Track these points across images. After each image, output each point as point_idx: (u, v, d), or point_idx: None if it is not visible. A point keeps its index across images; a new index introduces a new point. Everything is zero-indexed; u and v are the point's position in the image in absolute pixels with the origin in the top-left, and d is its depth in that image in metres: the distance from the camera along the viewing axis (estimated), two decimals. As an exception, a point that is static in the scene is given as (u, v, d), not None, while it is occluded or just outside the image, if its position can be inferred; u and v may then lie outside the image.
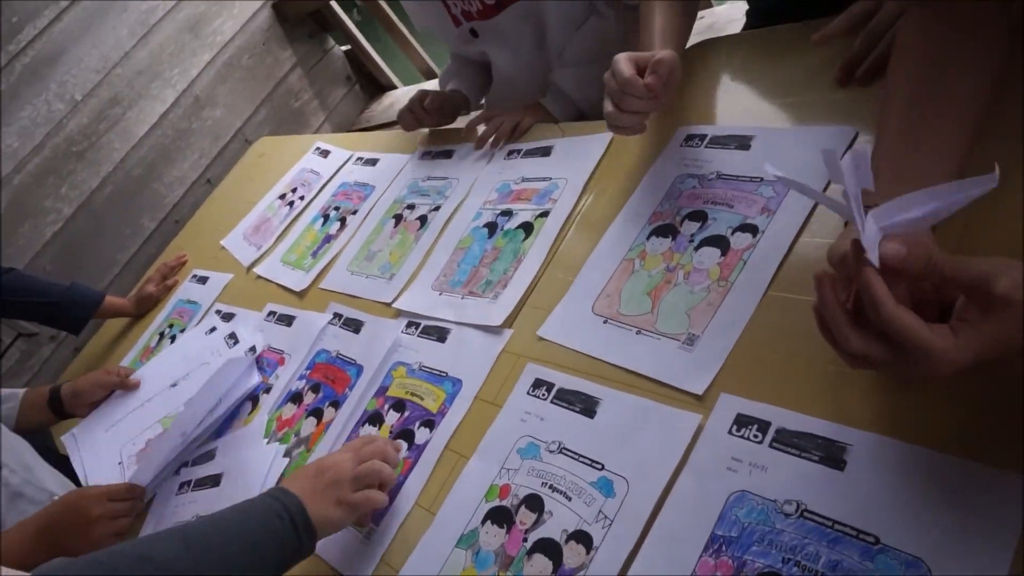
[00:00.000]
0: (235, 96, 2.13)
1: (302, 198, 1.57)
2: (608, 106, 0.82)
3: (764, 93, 0.89)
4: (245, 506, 0.72)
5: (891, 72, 0.63)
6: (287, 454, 1.00)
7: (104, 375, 1.28)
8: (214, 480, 1.05)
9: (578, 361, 0.80)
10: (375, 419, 0.95)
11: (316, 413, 1.03)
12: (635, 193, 0.91)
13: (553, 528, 0.68)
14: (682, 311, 0.75)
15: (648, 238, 0.85)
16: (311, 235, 1.40)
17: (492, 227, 1.06)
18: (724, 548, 0.58)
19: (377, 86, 2.51)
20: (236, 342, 1.28)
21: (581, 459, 0.71)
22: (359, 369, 1.03)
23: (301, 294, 1.27)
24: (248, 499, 0.73)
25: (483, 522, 0.73)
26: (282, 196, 1.65)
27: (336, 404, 1.01)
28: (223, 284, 1.51)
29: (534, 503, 0.71)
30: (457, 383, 0.89)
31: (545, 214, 1.01)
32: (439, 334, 0.98)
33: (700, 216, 0.82)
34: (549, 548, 0.67)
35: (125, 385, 1.28)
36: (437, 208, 1.19)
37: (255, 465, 1.02)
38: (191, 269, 1.67)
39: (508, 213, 1.06)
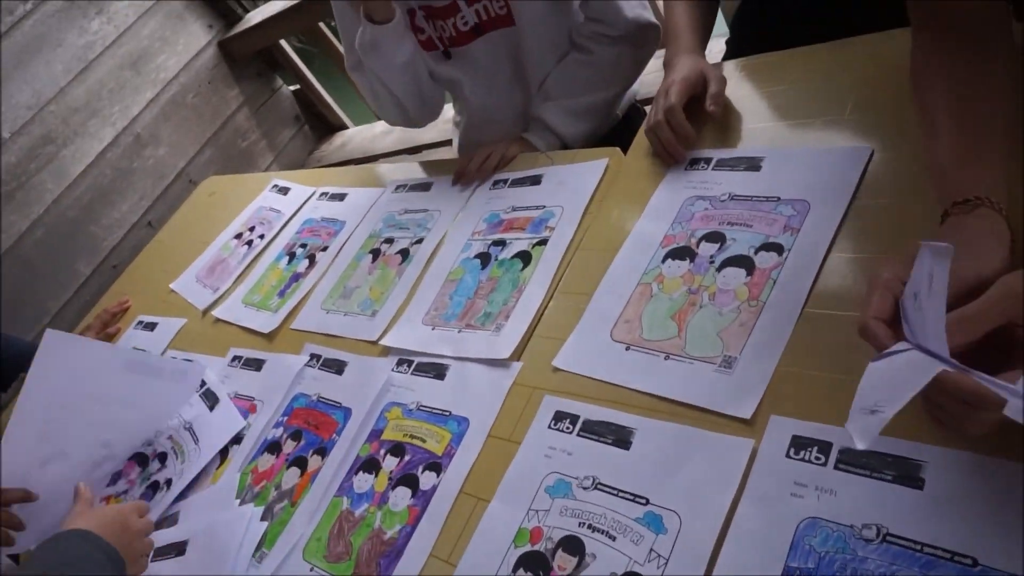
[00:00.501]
0: (179, 135, 2.03)
1: (262, 236, 1.49)
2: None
3: (766, 117, 0.89)
4: None
5: (923, 91, 0.63)
6: (267, 514, 0.90)
7: None
8: (178, 548, 0.94)
9: (601, 390, 0.75)
10: (370, 465, 0.87)
11: (299, 462, 0.94)
12: (642, 217, 0.88)
13: (600, 571, 0.62)
14: (712, 333, 0.72)
15: (663, 261, 0.82)
16: (276, 274, 1.31)
17: (485, 258, 1.02)
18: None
19: (327, 126, 2.45)
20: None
21: (622, 494, 0.66)
22: (346, 412, 0.95)
23: (270, 336, 1.18)
24: None
25: (515, 570, 0.67)
26: (238, 235, 1.56)
27: (322, 451, 0.92)
28: (175, 329, 1.40)
29: (573, 545, 0.65)
30: (463, 422, 0.83)
31: (543, 242, 0.97)
32: (436, 371, 0.91)
33: (717, 237, 0.80)
34: (596, 595, 0.61)
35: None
36: (419, 241, 1.13)
37: (227, 530, 0.92)
38: (135, 315, 1.55)
39: (501, 243, 1.02)
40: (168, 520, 0.99)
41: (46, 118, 1.79)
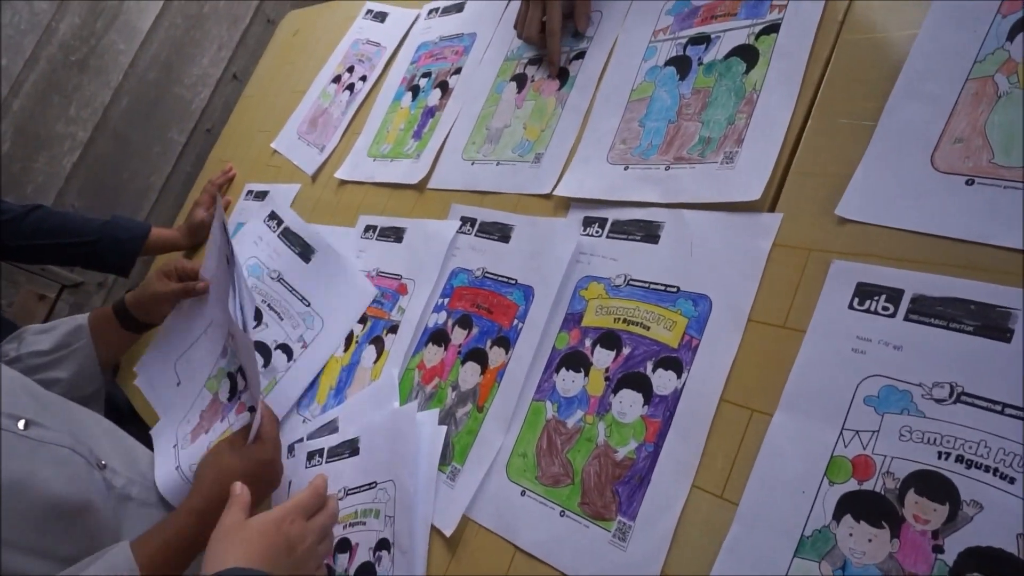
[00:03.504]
0: (246, -34, 1.74)
1: (363, 78, 1.24)
2: None
3: None
4: None
5: None
6: (447, 419, 0.74)
7: (163, 284, 1.00)
8: (351, 447, 0.81)
9: (929, 248, 0.50)
10: (574, 360, 0.67)
11: (476, 356, 0.76)
12: (953, -30, 0.57)
13: (994, 526, 0.41)
14: None
15: (1012, 36, 0.52)
16: (401, 115, 1.08)
17: (682, 63, 0.74)
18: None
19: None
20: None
21: (1009, 410, 0.43)
22: (526, 291, 0.75)
23: (419, 187, 0.96)
24: None
25: (838, 515, 0.47)
26: (336, 79, 1.32)
27: (503, 342, 0.74)
28: (290, 198, 1.22)
29: (932, 486, 0.44)
30: (702, 300, 0.61)
31: (772, 28, 0.68)
32: (645, 230, 0.68)
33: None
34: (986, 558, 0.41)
35: (189, 292, 1.01)
36: (580, 55, 0.86)
37: (399, 429, 0.77)
38: (242, 184, 1.38)
39: (703, 39, 0.73)
40: (327, 427, 0.85)
41: (99, -35, 1.54)
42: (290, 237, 1.02)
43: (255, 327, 0.96)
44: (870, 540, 0.45)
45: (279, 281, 0.98)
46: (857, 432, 0.48)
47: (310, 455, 0.85)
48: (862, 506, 0.46)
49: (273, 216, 1.04)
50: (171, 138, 1.70)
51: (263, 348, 0.95)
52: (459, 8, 1.09)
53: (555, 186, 0.78)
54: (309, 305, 0.94)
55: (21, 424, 0.66)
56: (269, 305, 0.97)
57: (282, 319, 0.96)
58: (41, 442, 0.66)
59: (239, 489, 0.66)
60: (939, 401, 0.46)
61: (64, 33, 1.51)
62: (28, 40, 1.46)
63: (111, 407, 1.15)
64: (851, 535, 0.46)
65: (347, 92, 1.27)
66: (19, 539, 0.61)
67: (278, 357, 0.94)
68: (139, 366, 1.11)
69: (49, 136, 1.53)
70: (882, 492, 0.46)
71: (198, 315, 1.02)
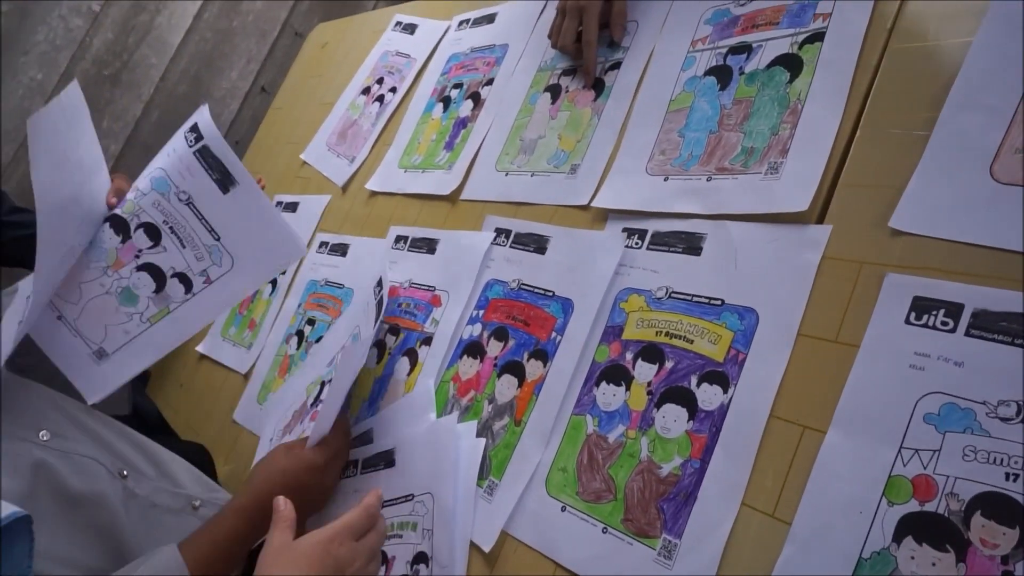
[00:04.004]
0: (274, -20, 1.76)
1: (393, 90, 1.25)
2: None
3: None
4: None
5: None
6: (484, 432, 0.74)
7: None
8: (386, 459, 0.80)
9: (987, 261, 0.49)
10: (615, 374, 0.66)
11: (512, 369, 0.75)
12: (1007, -24, 0.56)
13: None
14: None
15: (1073, 42, 0.51)
16: (433, 126, 1.08)
17: (723, 72, 0.73)
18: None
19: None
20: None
21: (1083, 432, 0.42)
22: (565, 304, 0.74)
23: (451, 199, 0.96)
24: None
25: (898, 538, 0.45)
26: (366, 90, 1.33)
27: (541, 355, 0.73)
28: (320, 208, 1.23)
29: (1003, 510, 0.43)
30: (748, 314, 0.60)
31: (817, 37, 0.67)
32: (687, 242, 0.67)
33: None
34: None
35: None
36: (615, 66, 0.85)
37: (436, 441, 0.76)
38: (272, 196, 1.39)
39: (744, 48, 0.72)
40: (360, 439, 0.85)
41: (131, -19, 1.56)
42: (208, 159, 0.84)
43: (150, 247, 0.86)
44: (934, 564, 0.44)
45: (187, 204, 0.85)
46: (916, 451, 0.47)
47: (347, 467, 0.85)
48: (924, 528, 0.45)
49: (194, 129, 0.85)
50: (200, 150, 1.72)
51: (156, 272, 0.86)
52: (490, 19, 1.09)
53: (592, 197, 0.77)
54: (219, 239, 0.84)
55: (44, 435, 0.66)
56: (172, 228, 0.85)
57: (184, 246, 0.85)
58: (64, 452, 0.67)
59: (282, 505, 0.65)
60: (1005, 420, 0.44)
61: (98, 48, 1.53)
62: (63, 55, 1.48)
63: (139, 419, 1.16)
64: (913, 558, 0.44)
65: (377, 103, 1.27)
66: (49, 547, 0.61)
67: (173, 286, 0.86)
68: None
69: (82, 149, 1.55)
70: (946, 514, 0.44)
71: None
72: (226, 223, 0.84)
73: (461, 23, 1.16)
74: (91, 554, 0.66)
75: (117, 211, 0.88)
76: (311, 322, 1.06)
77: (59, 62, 1.49)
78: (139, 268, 0.86)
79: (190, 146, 0.84)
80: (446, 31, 1.20)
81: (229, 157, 0.83)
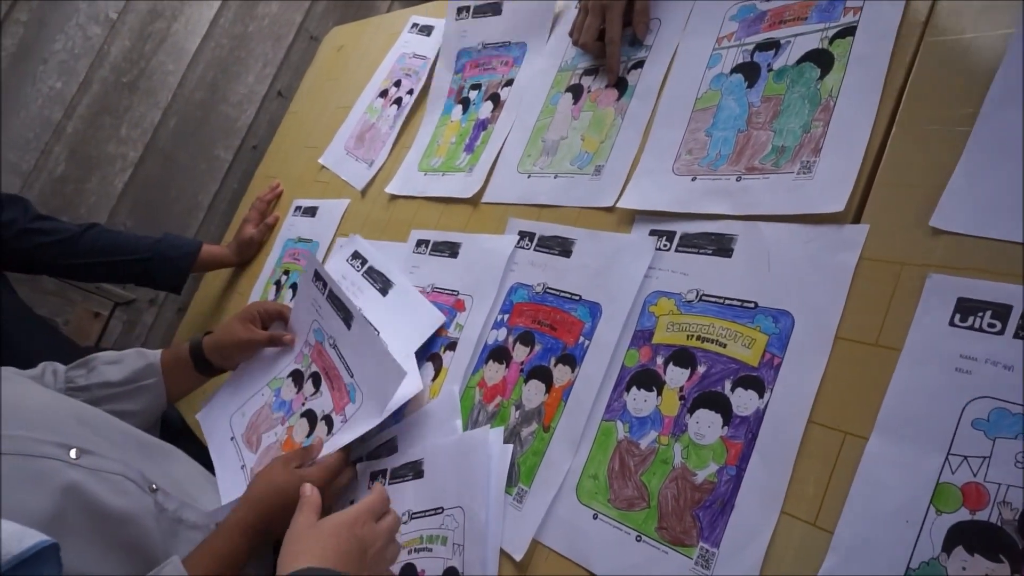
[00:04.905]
0: (288, -16, 1.76)
1: (411, 92, 1.24)
2: None
3: None
4: None
5: None
6: (512, 439, 0.73)
7: (247, 331, 0.96)
8: (415, 469, 0.80)
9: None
10: (646, 379, 0.65)
11: (540, 374, 0.74)
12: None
13: None
14: None
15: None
16: (452, 128, 1.07)
17: (750, 70, 0.72)
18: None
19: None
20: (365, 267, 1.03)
21: None
22: (592, 308, 0.73)
23: (473, 201, 0.95)
24: None
25: (948, 547, 0.44)
26: (383, 94, 1.32)
27: (569, 360, 0.72)
28: (339, 213, 1.22)
29: (1062, 520, 0.41)
30: (783, 317, 0.59)
31: (848, 31, 0.65)
32: (717, 244, 0.66)
33: None
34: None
35: (275, 342, 0.98)
36: (639, 64, 0.84)
37: (465, 450, 0.75)
38: (290, 200, 1.39)
39: (772, 45, 0.71)
40: (386, 447, 0.84)
41: (147, -12, 1.57)
42: (334, 301, 0.89)
43: (312, 394, 0.91)
44: (987, 575, 0.42)
45: (333, 347, 0.91)
46: (966, 458, 0.45)
47: (373, 475, 0.84)
48: (976, 538, 0.43)
49: (318, 278, 0.92)
50: (217, 156, 1.73)
51: (312, 416, 0.90)
52: (495, 10, 1.07)
53: (618, 198, 0.76)
54: (352, 376, 0.87)
55: (73, 453, 0.66)
56: (326, 373, 0.91)
57: (333, 388, 0.90)
58: (94, 470, 0.66)
59: (308, 491, 0.67)
60: (1060, 425, 0.43)
61: (115, 56, 1.54)
62: (82, 64, 1.49)
63: (164, 424, 1.16)
64: (964, 569, 0.43)
65: (395, 106, 1.26)
66: (80, 567, 0.61)
67: (320, 428, 0.88)
68: (201, 414, 1.05)
69: (101, 157, 1.55)
70: (998, 523, 0.43)
71: (267, 368, 1.00)
72: (354, 359, 0.87)
73: (460, 11, 1.13)
74: (123, 570, 0.66)
75: (298, 366, 0.95)
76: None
77: (78, 70, 1.49)
78: (301, 415, 0.90)
79: (322, 293, 0.91)
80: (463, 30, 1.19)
81: (344, 294, 0.87)
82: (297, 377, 0.95)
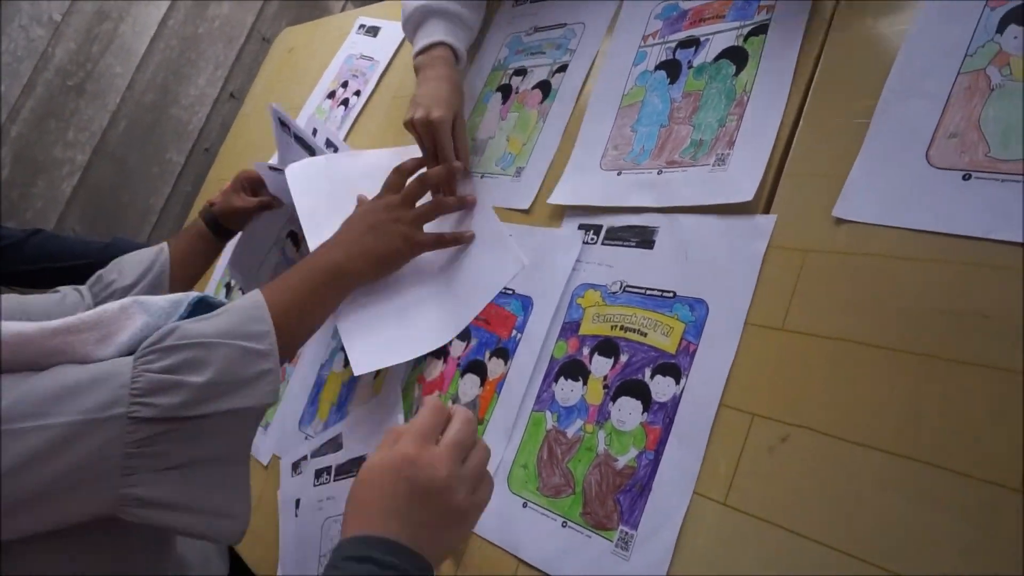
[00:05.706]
0: (239, -15, 1.75)
1: (358, 93, 1.25)
2: None
3: None
4: None
5: None
6: (450, 428, 0.74)
7: (241, 200, 1.02)
8: (359, 465, 0.80)
9: (927, 246, 0.50)
10: (572, 370, 0.67)
11: (475, 368, 0.76)
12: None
13: None
14: None
15: (1002, 30, 0.52)
16: (390, 133, 1.08)
17: (672, 67, 0.74)
18: None
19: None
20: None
21: None
22: (525, 302, 0.74)
23: None
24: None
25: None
26: (331, 95, 1.33)
27: (502, 353, 0.73)
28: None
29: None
30: (699, 305, 0.60)
31: (761, 29, 0.67)
32: (641, 236, 0.68)
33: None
34: None
35: (267, 206, 1.03)
36: (562, 68, 0.85)
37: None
38: (242, 202, 1.38)
39: (692, 42, 0.73)
40: (330, 444, 0.85)
41: (94, -10, 1.55)
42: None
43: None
44: None
45: None
46: (859, 434, 0.47)
47: (318, 473, 0.85)
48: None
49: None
50: (169, 159, 1.71)
51: None
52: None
53: (533, 202, 0.78)
54: None
55: None
56: None
57: None
58: None
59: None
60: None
61: (60, 58, 1.52)
62: (25, 66, 1.47)
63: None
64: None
65: (342, 107, 1.27)
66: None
67: None
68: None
69: (48, 161, 1.53)
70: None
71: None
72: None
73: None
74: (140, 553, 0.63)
75: None
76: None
77: (21, 73, 1.47)
78: None
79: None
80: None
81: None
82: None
